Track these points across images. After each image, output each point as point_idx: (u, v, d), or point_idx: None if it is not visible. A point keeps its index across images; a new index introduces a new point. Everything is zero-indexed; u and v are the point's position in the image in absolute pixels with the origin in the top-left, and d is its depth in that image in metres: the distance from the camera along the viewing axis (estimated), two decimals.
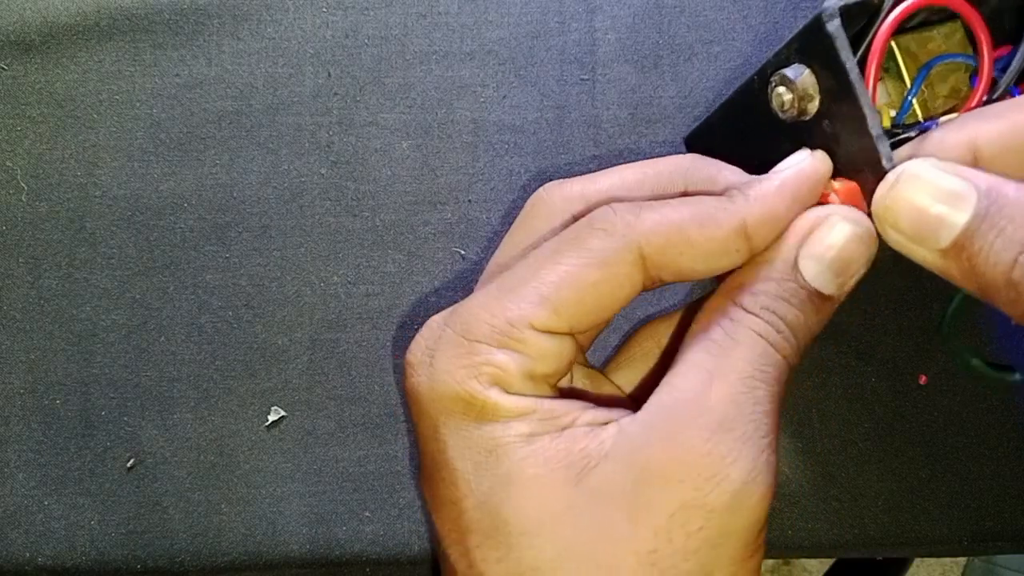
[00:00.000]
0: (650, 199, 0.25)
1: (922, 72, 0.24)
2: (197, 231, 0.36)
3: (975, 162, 0.22)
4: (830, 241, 0.23)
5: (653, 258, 0.23)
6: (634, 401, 0.27)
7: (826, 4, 0.22)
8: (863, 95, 0.22)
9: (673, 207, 0.23)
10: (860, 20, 0.23)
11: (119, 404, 0.35)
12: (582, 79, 0.37)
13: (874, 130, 0.22)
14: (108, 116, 0.37)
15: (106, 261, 0.36)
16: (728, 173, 0.25)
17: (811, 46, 0.23)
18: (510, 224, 0.36)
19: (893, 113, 0.25)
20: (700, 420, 0.22)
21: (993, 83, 0.24)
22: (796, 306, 0.23)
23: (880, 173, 0.22)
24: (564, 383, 0.26)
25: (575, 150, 0.37)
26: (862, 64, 0.23)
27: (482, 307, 0.24)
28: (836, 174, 0.24)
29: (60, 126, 0.37)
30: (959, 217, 0.21)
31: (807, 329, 0.24)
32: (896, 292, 0.35)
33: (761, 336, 0.23)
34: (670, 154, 0.36)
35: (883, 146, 0.22)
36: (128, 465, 0.35)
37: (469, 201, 0.36)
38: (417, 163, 0.36)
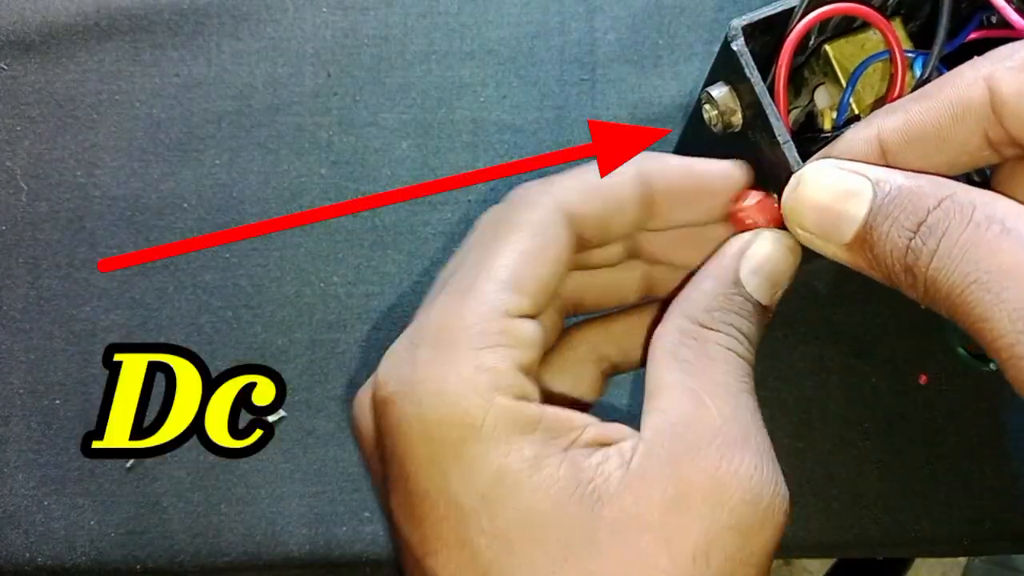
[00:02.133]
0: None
1: (856, 73, 0.26)
2: (197, 231, 0.36)
3: (882, 156, 0.22)
4: (766, 254, 0.25)
5: (574, 214, 0.24)
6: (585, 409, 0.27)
7: (732, 23, 0.24)
8: (768, 105, 0.24)
9: (579, 169, 0.25)
10: (770, 34, 0.25)
11: None
12: (582, 79, 0.37)
13: (780, 137, 0.24)
14: (108, 116, 0.37)
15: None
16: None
17: (726, 64, 0.25)
18: None
19: (834, 115, 0.26)
20: (716, 442, 0.22)
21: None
22: (747, 318, 0.24)
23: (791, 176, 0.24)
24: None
25: None
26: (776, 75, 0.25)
27: (449, 313, 0.23)
28: (764, 180, 0.25)
29: (60, 126, 0.37)
30: (857, 211, 0.22)
31: (757, 339, 0.25)
32: (896, 292, 0.35)
33: (730, 350, 0.24)
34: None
35: (790, 152, 0.24)
36: (128, 465, 0.35)
37: (469, 201, 0.36)
38: (417, 163, 0.36)
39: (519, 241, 0.23)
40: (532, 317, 0.23)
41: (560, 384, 0.28)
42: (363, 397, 0.25)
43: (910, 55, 0.25)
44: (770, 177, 0.25)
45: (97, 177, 0.37)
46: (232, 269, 0.36)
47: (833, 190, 0.22)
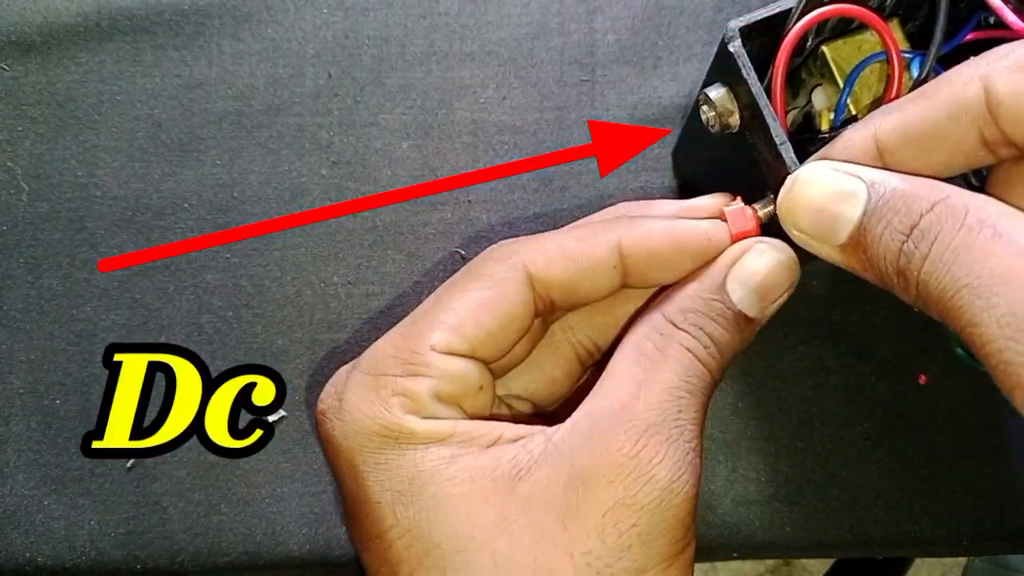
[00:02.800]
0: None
1: (853, 74, 0.25)
2: (197, 231, 0.36)
3: (879, 157, 0.22)
4: (756, 267, 0.25)
5: (539, 276, 0.25)
6: (543, 416, 0.29)
7: (729, 24, 0.24)
8: (765, 107, 0.24)
9: (560, 231, 0.26)
10: (768, 36, 0.25)
11: None
12: (582, 80, 0.37)
13: (778, 138, 0.24)
14: (109, 116, 0.37)
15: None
16: (656, 208, 0.27)
17: (723, 65, 0.25)
18: (509, 224, 0.36)
19: (832, 116, 0.26)
20: (627, 425, 0.23)
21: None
22: (722, 325, 0.25)
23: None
24: (483, 412, 0.27)
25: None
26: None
27: (386, 343, 0.26)
28: (762, 181, 0.26)
29: (61, 126, 0.37)
30: (852, 213, 0.22)
31: (730, 347, 0.25)
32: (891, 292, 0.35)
33: (689, 350, 0.24)
34: (668, 156, 0.36)
35: (787, 153, 0.24)
36: (128, 465, 0.35)
37: (469, 201, 0.36)
38: (417, 163, 0.37)
39: (475, 290, 0.25)
40: (468, 357, 0.25)
41: (534, 371, 0.29)
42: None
43: (907, 56, 0.25)
44: (767, 178, 0.25)
45: (98, 177, 0.37)
46: (232, 269, 0.36)
47: (828, 191, 0.22)
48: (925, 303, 0.21)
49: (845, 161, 0.23)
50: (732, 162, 0.26)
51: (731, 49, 0.24)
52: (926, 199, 0.21)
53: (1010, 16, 0.24)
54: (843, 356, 0.35)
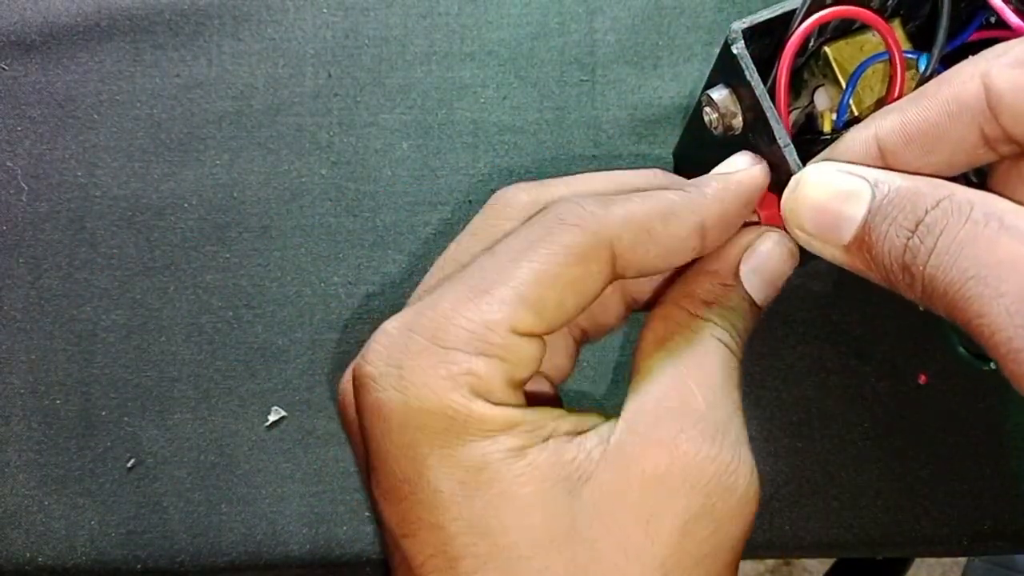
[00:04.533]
0: None
1: (855, 75, 0.26)
2: (197, 231, 0.36)
3: (881, 157, 0.23)
4: (767, 254, 0.25)
5: (621, 253, 0.23)
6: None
7: (732, 26, 0.24)
8: (769, 108, 0.24)
9: (638, 201, 0.24)
10: (770, 37, 0.25)
11: (119, 404, 0.35)
12: (582, 80, 0.37)
13: (781, 140, 0.24)
14: (108, 116, 0.37)
15: (106, 261, 0.36)
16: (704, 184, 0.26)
17: (726, 67, 0.25)
18: None
19: (834, 117, 0.26)
20: (699, 426, 0.22)
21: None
22: (741, 314, 0.25)
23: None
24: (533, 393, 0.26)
25: (575, 151, 0.37)
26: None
27: (455, 310, 0.22)
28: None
29: (60, 126, 0.37)
30: (856, 213, 0.22)
31: (747, 335, 0.25)
32: (896, 292, 0.35)
33: (723, 343, 0.24)
34: (668, 156, 0.37)
35: (790, 154, 0.24)
36: (128, 465, 0.35)
37: (469, 201, 0.36)
38: (417, 163, 0.36)
39: (554, 264, 0.22)
40: (539, 336, 0.23)
41: (552, 346, 0.27)
42: (347, 387, 0.24)
43: (910, 56, 0.25)
44: (771, 178, 0.25)
45: (98, 177, 0.37)
46: (232, 269, 0.36)
47: (831, 192, 0.22)
48: (931, 299, 0.21)
49: (847, 162, 0.23)
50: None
51: (734, 51, 0.24)
52: (931, 196, 0.21)
53: (1012, 17, 0.24)
54: (843, 356, 0.35)
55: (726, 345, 0.24)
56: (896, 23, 0.26)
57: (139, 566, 0.34)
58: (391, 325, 0.23)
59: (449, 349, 0.22)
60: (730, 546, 0.22)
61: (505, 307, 0.22)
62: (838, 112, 0.26)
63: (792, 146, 0.24)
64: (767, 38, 0.25)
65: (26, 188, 0.37)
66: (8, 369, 0.35)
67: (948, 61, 0.24)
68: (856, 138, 0.23)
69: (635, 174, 0.27)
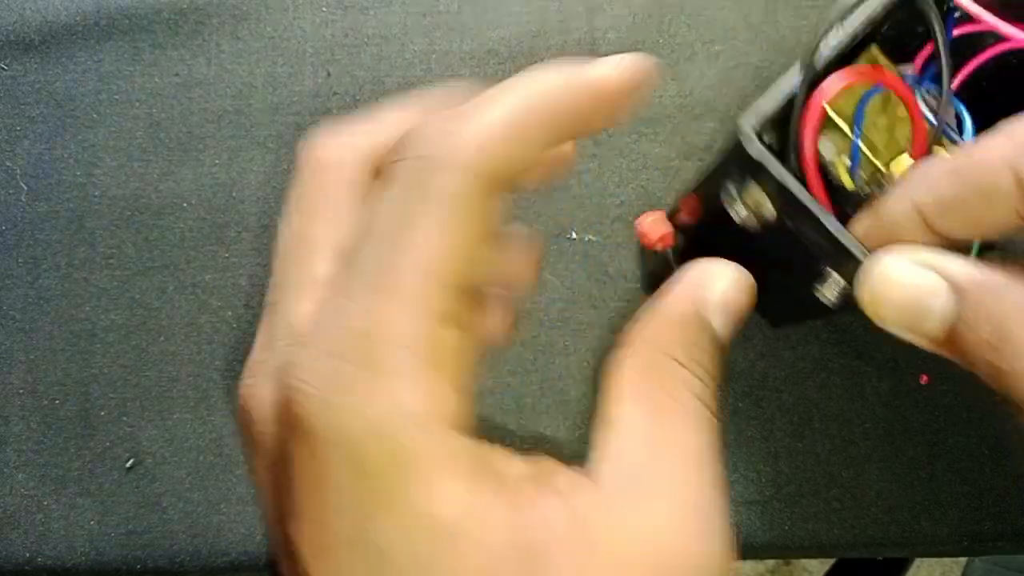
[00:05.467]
0: None
1: (857, 118, 0.25)
2: (196, 231, 0.36)
3: (924, 225, 0.23)
4: (727, 290, 0.23)
5: (494, 171, 0.20)
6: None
7: (742, 126, 0.23)
8: (812, 204, 0.23)
9: (493, 100, 0.21)
10: (778, 119, 0.24)
11: (118, 404, 0.35)
12: None
13: (834, 230, 0.23)
14: (107, 116, 0.37)
15: (105, 261, 0.36)
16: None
17: (744, 165, 0.24)
18: None
19: (848, 162, 0.25)
20: (686, 516, 0.20)
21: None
22: (711, 357, 0.22)
23: (854, 261, 0.24)
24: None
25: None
26: (799, 162, 0.24)
27: (371, 319, 0.19)
28: (812, 257, 0.25)
29: (59, 126, 0.37)
30: (936, 311, 0.22)
31: (717, 383, 0.23)
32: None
33: (703, 402, 0.22)
34: (670, 155, 0.36)
35: (849, 242, 0.23)
36: (127, 465, 0.35)
37: None
38: None
39: (452, 227, 0.19)
40: (458, 321, 0.20)
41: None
42: (260, 393, 0.21)
43: (910, 79, 0.25)
44: (820, 255, 0.24)
45: (97, 177, 0.37)
46: (232, 269, 0.36)
47: (908, 291, 0.22)
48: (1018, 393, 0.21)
49: (897, 234, 0.23)
50: (770, 244, 0.25)
51: (753, 155, 0.23)
52: (1010, 303, 0.21)
53: (1009, 29, 0.24)
54: (844, 356, 0.35)
55: (705, 405, 0.22)
56: (875, 49, 0.25)
57: (138, 566, 0.34)
58: (310, 351, 0.20)
59: (385, 373, 0.19)
60: None
61: (420, 298, 0.19)
62: (852, 160, 0.25)
63: (846, 233, 0.23)
64: (769, 128, 0.24)
65: (25, 188, 0.36)
66: (7, 369, 0.35)
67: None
68: (895, 210, 0.23)
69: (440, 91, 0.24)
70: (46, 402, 0.35)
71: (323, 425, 0.19)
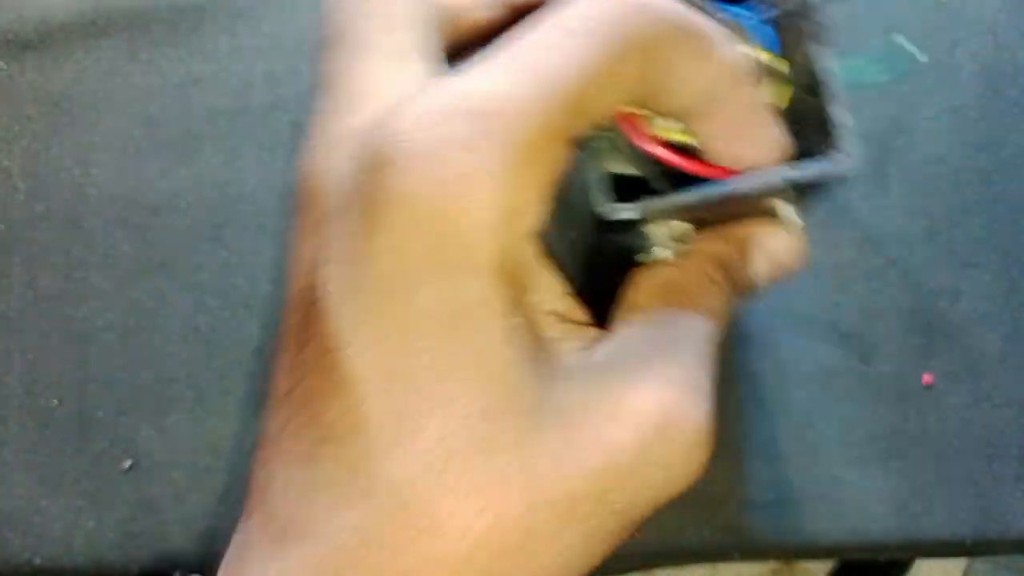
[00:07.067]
0: None
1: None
2: (194, 230, 0.36)
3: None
4: (779, 245, 0.24)
5: (658, 55, 0.20)
6: None
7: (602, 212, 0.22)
8: (712, 188, 0.22)
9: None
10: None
11: (116, 405, 0.35)
12: None
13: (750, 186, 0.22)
14: (105, 114, 0.37)
15: (102, 260, 0.36)
16: None
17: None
18: None
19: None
20: (683, 380, 0.21)
21: None
22: (737, 294, 0.24)
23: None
24: None
25: None
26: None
27: (515, 97, 0.18)
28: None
29: (56, 124, 0.37)
30: None
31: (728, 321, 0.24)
32: (897, 293, 0.35)
33: (718, 318, 0.23)
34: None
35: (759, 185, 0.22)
36: (125, 466, 0.35)
37: None
38: None
39: (617, 60, 0.19)
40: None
41: None
42: (336, 165, 0.20)
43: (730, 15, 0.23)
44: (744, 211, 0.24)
45: (94, 176, 0.36)
46: (229, 268, 0.36)
47: None
48: None
49: None
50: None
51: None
52: None
53: None
54: (846, 358, 0.34)
55: (716, 320, 0.23)
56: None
57: (136, 568, 0.34)
58: (433, 102, 0.18)
59: (509, 149, 0.18)
60: (664, 497, 0.21)
61: (574, 104, 0.19)
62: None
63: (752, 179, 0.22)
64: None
65: (22, 187, 0.36)
66: (3, 369, 0.35)
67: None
68: None
69: None
70: (43, 403, 0.35)
71: (420, 156, 0.18)
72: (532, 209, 0.19)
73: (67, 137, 0.37)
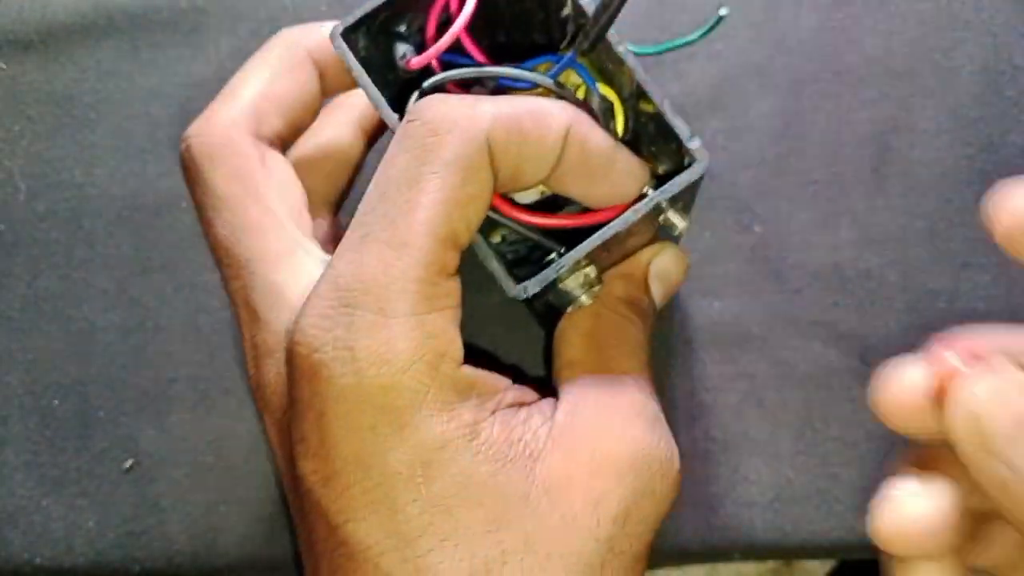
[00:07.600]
0: None
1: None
2: (195, 230, 0.36)
3: None
4: (667, 265, 0.29)
5: (497, 156, 0.22)
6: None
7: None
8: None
9: (505, 100, 0.23)
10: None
11: (117, 404, 0.35)
12: None
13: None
14: (106, 115, 0.37)
15: (104, 260, 0.36)
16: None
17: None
18: None
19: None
20: (641, 417, 0.25)
21: None
22: (648, 317, 0.29)
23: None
24: None
25: None
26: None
27: (382, 268, 0.21)
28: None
29: (58, 125, 0.37)
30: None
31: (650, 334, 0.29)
32: (896, 292, 0.35)
33: (644, 341, 0.28)
34: None
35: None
36: (126, 466, 0.35)
37: None
38: None
39: (456, 189, 0.22)
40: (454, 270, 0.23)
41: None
42: (267, 375, 0.24)
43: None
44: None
45: (95, 176, 0.36)
46: None
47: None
48: None
49: None
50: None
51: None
52: None
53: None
54: (846, 357, 0.34)
55: (641, 344, 0.27)
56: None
57: (137, 567, 0.34)
58: (318, 302, 0.22)
59: (395, 315, 0.21)
60: (659, 520, 0.24)
61: (429, 251, 0.22)
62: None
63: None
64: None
65: (23, 187, 0.36)
66: (5, 369, 0.35)
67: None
68: None
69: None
70: (44, 402, 0.35)
71: (337, 366, 0.21)
72: (450, 341, 0.22)
73: (69, 137, 0.37)
